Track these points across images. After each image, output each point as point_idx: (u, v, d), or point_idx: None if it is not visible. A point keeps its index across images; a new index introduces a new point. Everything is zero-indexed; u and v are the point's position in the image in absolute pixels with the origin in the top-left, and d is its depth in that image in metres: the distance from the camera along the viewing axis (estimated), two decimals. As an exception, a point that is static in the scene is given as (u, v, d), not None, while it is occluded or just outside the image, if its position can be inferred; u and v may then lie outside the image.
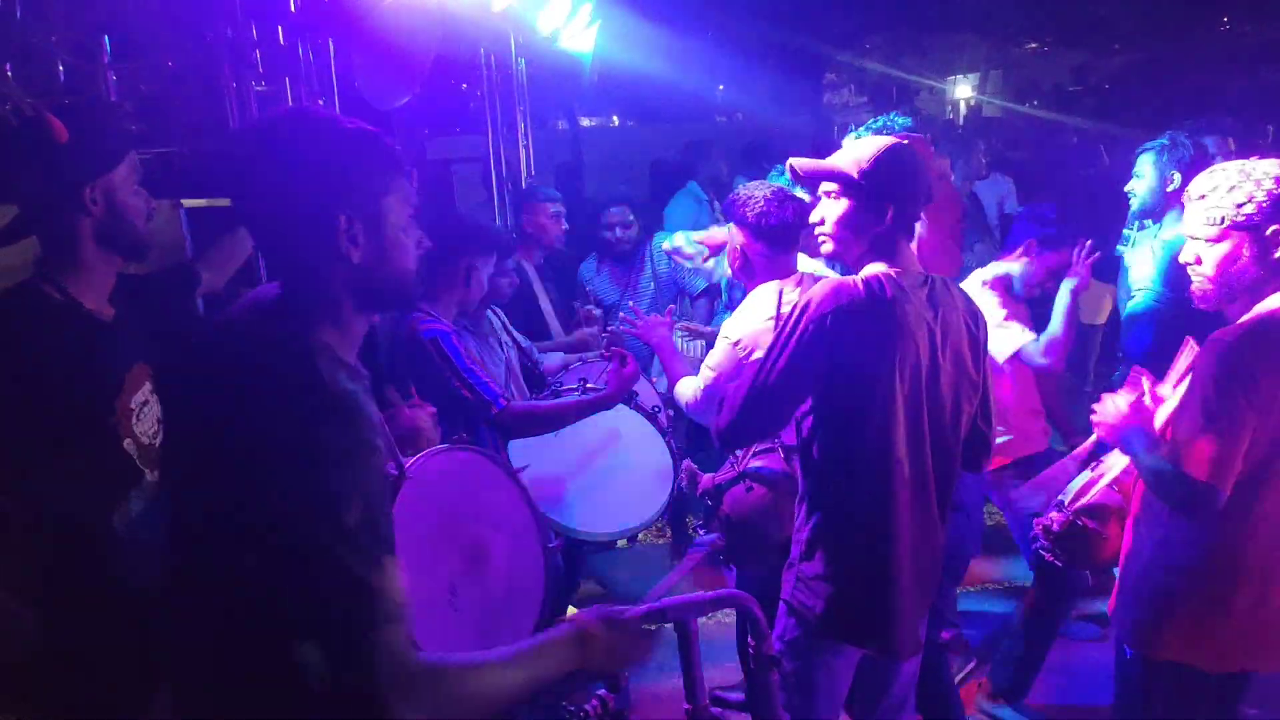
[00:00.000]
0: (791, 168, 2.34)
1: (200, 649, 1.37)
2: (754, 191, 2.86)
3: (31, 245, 2.01)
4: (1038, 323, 3.64)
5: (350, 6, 3.05)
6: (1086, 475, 2.51)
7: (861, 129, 3.40)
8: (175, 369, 1.46)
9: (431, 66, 3.66)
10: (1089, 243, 3.61)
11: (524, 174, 5.78)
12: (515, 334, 3.68)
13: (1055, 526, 2.45)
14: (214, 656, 1.35)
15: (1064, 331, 3.47)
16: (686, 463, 2.90)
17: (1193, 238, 2.22)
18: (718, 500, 2.69)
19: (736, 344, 2.79)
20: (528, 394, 3.51)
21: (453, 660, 1.39)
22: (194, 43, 3.05)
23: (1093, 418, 2.36)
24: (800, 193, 2.89)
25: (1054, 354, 3.45)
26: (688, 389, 2.86)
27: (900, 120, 3.37)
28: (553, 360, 3.87)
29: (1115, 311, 4.55)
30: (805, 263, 3.05)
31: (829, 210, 2.28)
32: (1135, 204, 3.73)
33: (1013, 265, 3.67)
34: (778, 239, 2.84)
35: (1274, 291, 2.11)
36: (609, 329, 4.20)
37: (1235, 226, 2.11)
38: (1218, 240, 2.15)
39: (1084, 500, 2.47)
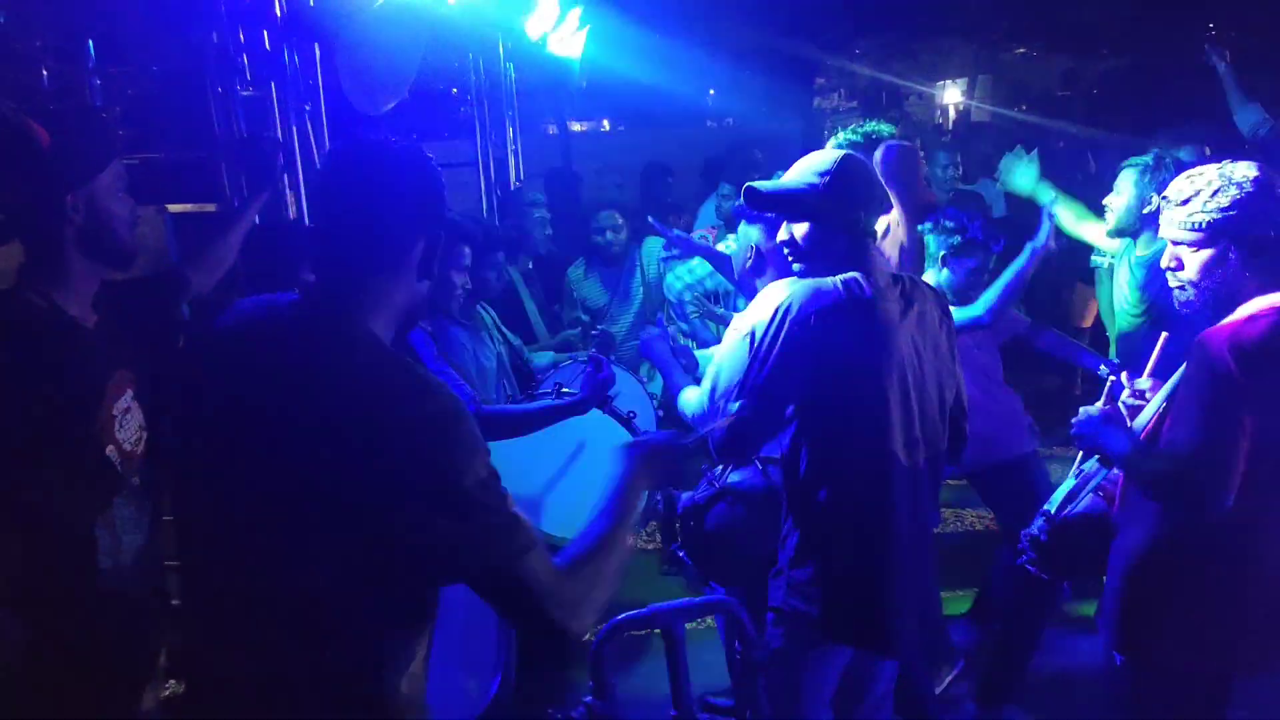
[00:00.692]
0: (748, 193, 2.37)
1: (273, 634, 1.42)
2: None
3: (16, 252, 2.00)
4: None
5: (336, 11, 3.05)
6: (1070, 482, 2.51)
7: (847, 131, 3.40)
8: (222, 360, 1.52)
9: (419, 71, 3.66)
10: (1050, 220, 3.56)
11: (513, 179, 5.78)
12: (506, 332, 3.67)
13: (1043, 537, 2.44)
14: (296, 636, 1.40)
15: (1007, 285, 3.39)
16: (664, 489, 2.87)
17: (1174, 243, 2.22)
18: (699, 520, 2.67)
19: (749, 335, 2.79)
20: (518, 390, 3.51)
21: (579, 552, 1.55)
22: (179, 47, 3.04)
23: (1072, 431, 2.34)
24: None
25: (990, 307, 3.37)
26: (691, 400, 2.82)
27: (884, 127, 3.38)
28: (543, 358, 3.88)
29: (1099, 317, 4.56)
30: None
31: (796, 228, 2.32)
32: (1112, 221, 3.68)
33: (932, 277, 3.64)
34: None
35: (1258, 294, 2.12)
36: (598, 329, 4.21)
37: (1219, 231, 2.12)
38: (1201, 246, 2.16)
39: (1070, 509, 2.46)
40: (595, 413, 3.07)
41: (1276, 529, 2.13)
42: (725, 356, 2.65)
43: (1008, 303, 3.44)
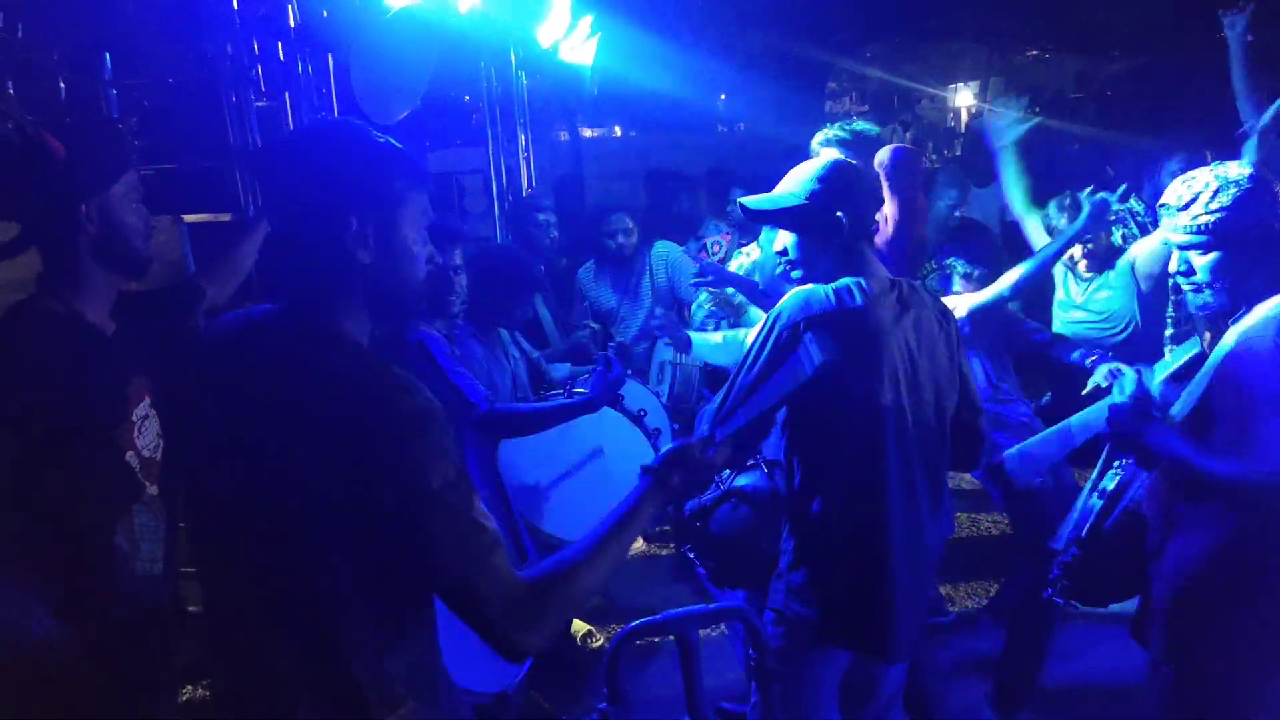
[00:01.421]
0: (742, 208, 2.41)
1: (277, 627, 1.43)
2: None
3: (34, 260, 2.02)
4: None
5: (349, 22, 3.07)
6: (1096, 502, 2.46)
7: (834, 127, 3.39)
8: (207, 372, 1.51)
9: (432, 80, 3.68)
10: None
11: (524, 186, 5.80)
12: (525, 346, 3.68)
13: (1077, 564, 2.36)
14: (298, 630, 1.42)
15: (1036, 266, 3.47)
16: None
17: (1181, 247, 2.21)
18: (705, 522, 2.68)
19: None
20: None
21: (552, 569, 1.50)
22: (194, 59, 3.07)
23: (1109, 429, 2.26)
24: None
25: (1016, 284, 3.44)
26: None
27: (872, 128, 3.38)
28: (560, 370, 3.89)
29: None
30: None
31: (787, 239, 2.36)
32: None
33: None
34: None
35: (1273, 288, 2.10)
36: (614, 343, 4.22)
37: (1225, 231, 2.11)
38: (1209, 248, 2.15)
39: (1101, 528, 2.39)
40: (614, 419, 3.09)
41: None
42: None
43: (1033, 281, 3.47)
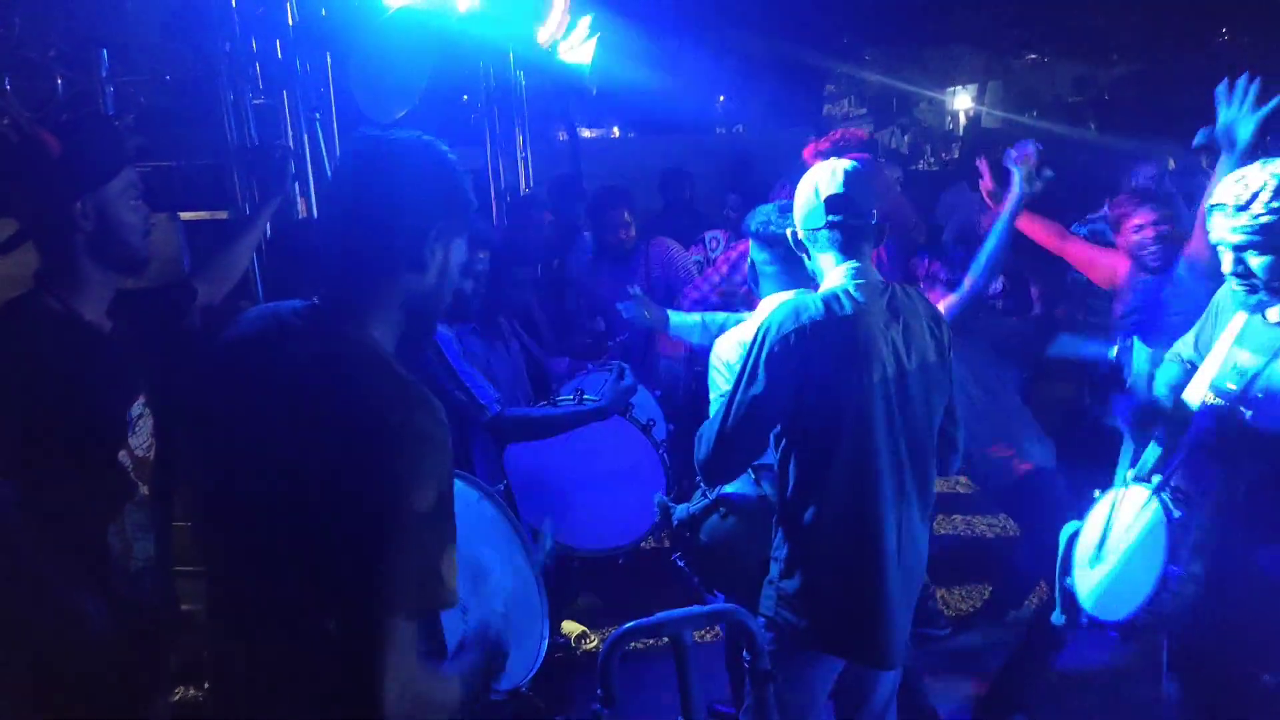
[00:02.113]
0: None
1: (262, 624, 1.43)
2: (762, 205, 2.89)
3: (32, 257, 2.01)
4: None
5: (347, 20, 3.06)
6: (1158, 538, 2.35)
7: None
8: (228, 368, 1.51)
9: (430, 78, 3.68)
10: None
11: (522, 185, 5.80)
12: (525, 339, 3.68)
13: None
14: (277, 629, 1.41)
15: (990, 253, 3.35)
16: (658, 496, 2.87)
17: (1237, 248, 2.21)
18: (694, 530, 2.67)
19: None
20: (532, 399, 3.52)
21: (438, 670, 1.47)
22: (192, 56, 3.06)
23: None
24: None
25: (977, 277, 3.35)
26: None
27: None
28: (560, 364, 3.89)
29: None
30: None
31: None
32: None
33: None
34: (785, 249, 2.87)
35: None
36: (616, 339, 4.22)
37: None
38: (1266, 248, 2.15)
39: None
40: (598, 428, 3.08)
41: None
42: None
43: (995, 269, 3.41)
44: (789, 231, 2.44)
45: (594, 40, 5.47)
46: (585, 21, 5.18)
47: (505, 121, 5.70)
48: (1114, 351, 3.62)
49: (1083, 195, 5.57)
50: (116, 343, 2.04)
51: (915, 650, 3.39)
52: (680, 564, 2.79)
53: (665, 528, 2.82)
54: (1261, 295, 2.19)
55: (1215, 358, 2.42)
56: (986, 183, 3.76)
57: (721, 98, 14.02)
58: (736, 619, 2.11)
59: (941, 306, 3.50)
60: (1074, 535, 2.63)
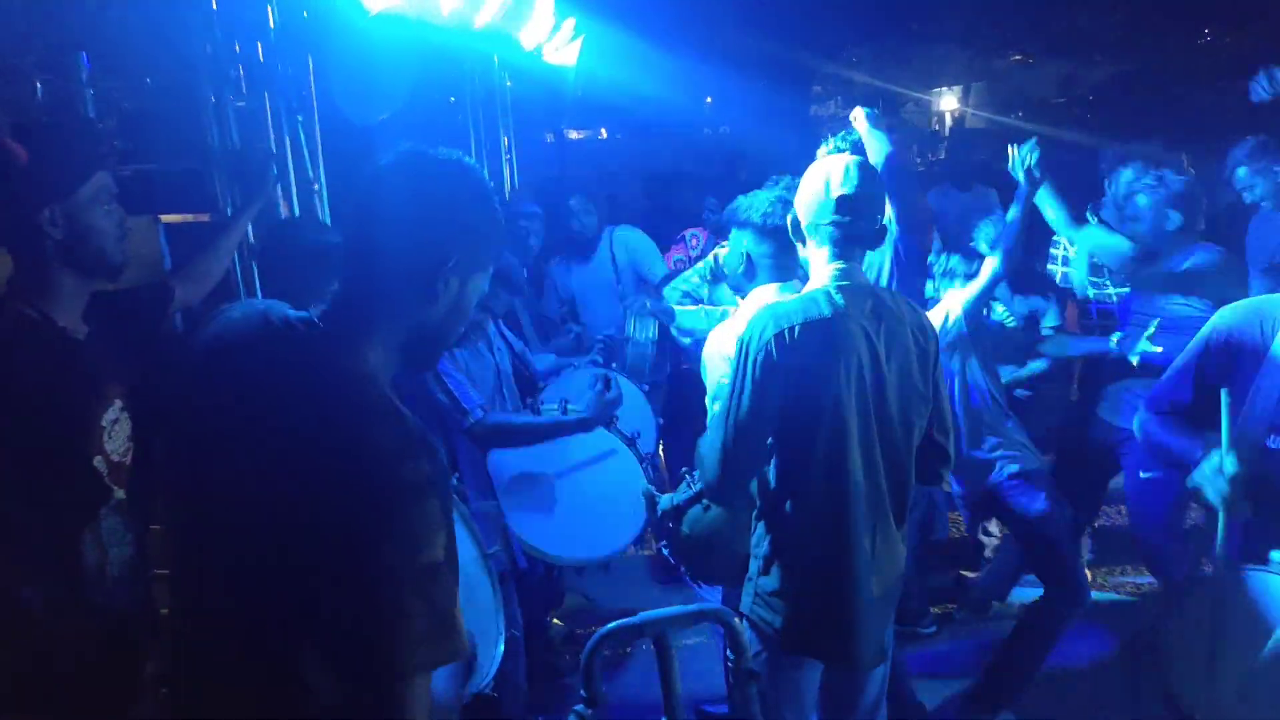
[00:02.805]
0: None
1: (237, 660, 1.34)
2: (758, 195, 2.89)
3: (5, 263, 2.01)
4: None
5: (329, 23, 3.06)
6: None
7: (836, 138, 3.44)
8: (211, 372, 1.41)
9: (417, 80, 3.68)
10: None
11: (507, 188, 5.79)
12: (509, 337, 3.68)
13: None
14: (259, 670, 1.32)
15: (1008, 233, 3.43)
16: (644, 485, 2.87)
17: None
18: (677, 521, 2.68)
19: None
20: (518, 399, 3.52)
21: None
22: (173, 59, 3.05)
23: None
24: None
25: (999, 259, 3.40)
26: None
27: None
28: (545, 360, 3.89)
29: None
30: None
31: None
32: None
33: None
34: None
35: None
36: (602, 337, 4.23)
37: None
38: None
39: None
40: (583, 438, 3.09)
41: None
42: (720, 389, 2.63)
43: (1012, 254, 3.44)
44: (790, 219, 2.41)
45: (578, 42, 5.47)
46: (569, 24, 5.18)
47: (490, 124, 5.69)
48: (1115, 340, 3.63)
49: (1068, 195, 5.60)
50: (92, 347, 2.02)
51: (901, 648, 3.41)
52: (666, 553, 2.80)
53: (651, 517, 2.82)
54: None
55: None
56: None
57: (709, 99, 14.03)
58: (720, 618, 2.12)
59: (960, 298, 3.52)
60: None
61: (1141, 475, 3.50)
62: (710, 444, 2.30)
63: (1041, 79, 14.15)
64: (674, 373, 4.54)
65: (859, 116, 3.50)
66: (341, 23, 3.11)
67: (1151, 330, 3.50)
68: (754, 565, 2.38)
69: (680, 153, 8.72)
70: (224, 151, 3.04)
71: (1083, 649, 3.83)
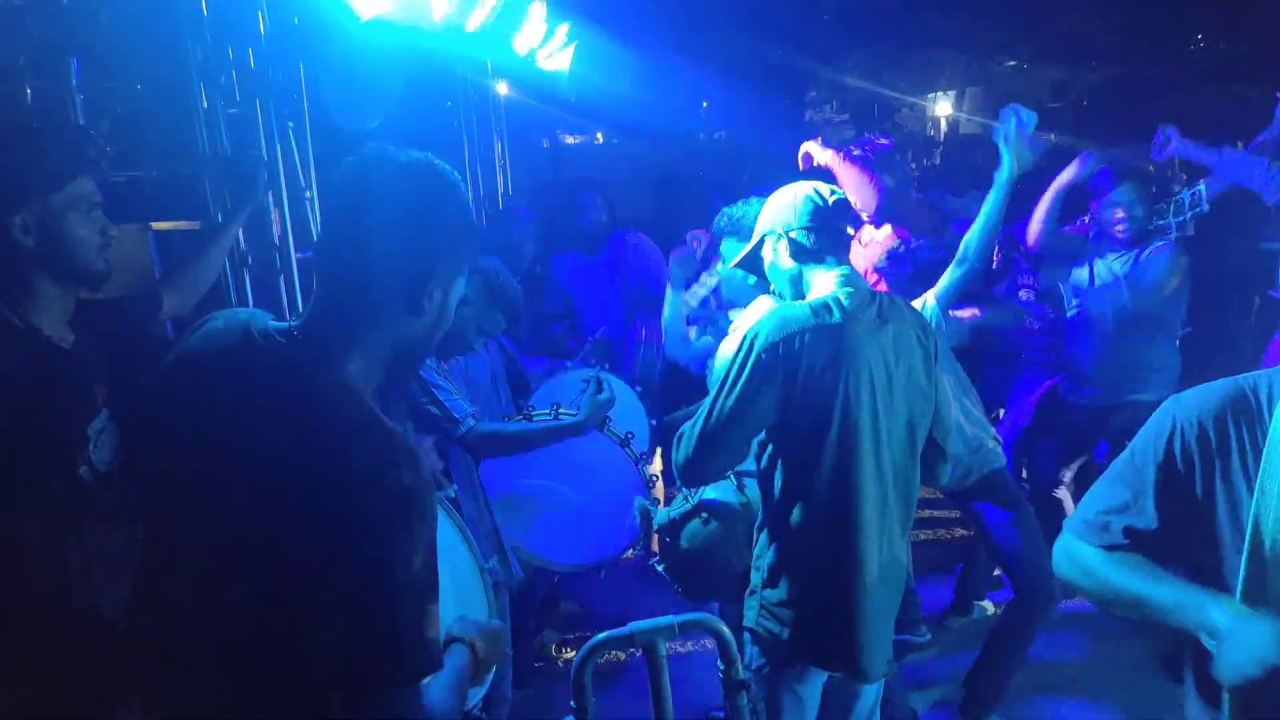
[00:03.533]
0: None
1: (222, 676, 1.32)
2: (751, 204, 2.90)
3: None
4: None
5: (321, 29, 3.05)
6: None
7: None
8: (189, 381, 1.39)
9: (409, 85, 3.67)
10: None
11: (500, 193, 5.79)
12: (502, 339, 3.67)
13: None
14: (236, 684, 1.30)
15: (985, 223, 3.22)
16: (638, 501, 2.86)
17: None
18: (675, 536, 2.67)
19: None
20: (511, 399, 3.50)
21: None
22: (164, 65, 3.03)
23: None
24: None
25: (974, 249, 3.21)
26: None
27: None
28: (537, 363, 3.89)
29: None
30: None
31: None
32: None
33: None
34: None
35: None
36: (592, 338, 4.22)
37: None
38: None
39: None
40: (576, 441, 3.07)
41: None
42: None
43: (989, 242, 3.37)
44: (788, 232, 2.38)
45: (571, 48, 5.46)
46: (563, 30, 5.18)
47: (484, 130, 5.69)
48: None
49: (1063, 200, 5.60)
50: (78, 356, 2.01)
51: (897, 658, 3.40)
52: (660, 570, 2.78)
53: (645, 532, 2.80)
54: None
55: None
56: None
57: (705, 104, 14.03)
58: (710, 627, 2.11)
59: (932, 291, 3.50)
60: None
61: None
62: (692, 425, 2.29)
63: (1035, 84, 14.17)
64: (666, 374, 4.53)
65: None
66: (333, 29, 3.10)
67: None
68: (756, 577, 2.35)
69: (677, 156, 8.72)
70: (215, 158, 3.02)
71: (1069, 647, 3.86)
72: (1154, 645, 3.68)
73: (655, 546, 2.81)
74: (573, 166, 9.98)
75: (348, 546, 1.20)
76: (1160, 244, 3.99)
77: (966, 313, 3.65)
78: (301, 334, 1.36)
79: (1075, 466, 4.34)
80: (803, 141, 3.89)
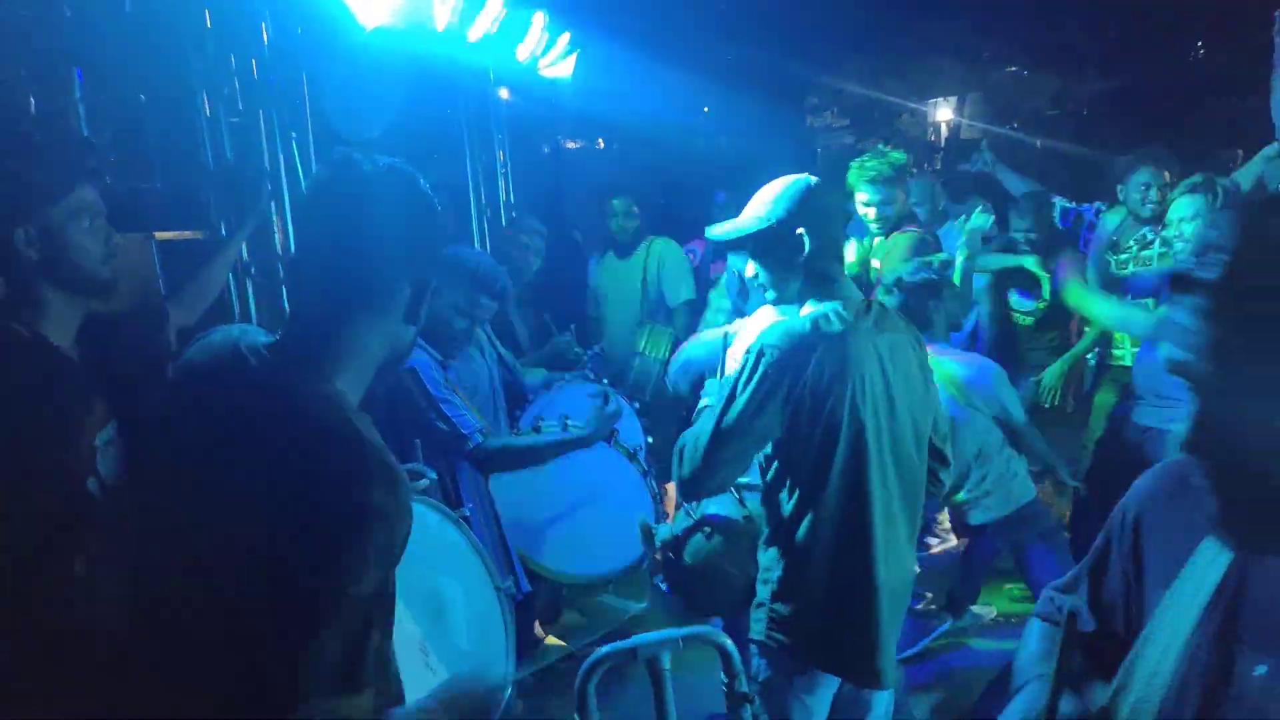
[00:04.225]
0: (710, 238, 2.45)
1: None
2: None
3: None
4: None
5: (324, 40, 3.06)
6: None
7: (870, 159, 3.53)
8: (179, 396, 1.42)
9: (412, 93, 3.68)
10: None
11: (502, 201, 5.80)
12: (499, 347, 3.66)
13: None
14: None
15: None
16: (640, 518, 2.85)
17: None
18: (678, 552, 2.65)
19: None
20: (505, 410, 3.50)
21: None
22: (167, 75, 3.04)
23: None
24: None
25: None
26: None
27: (900, 155, 3.51)
28: (535, 376, 3.87)
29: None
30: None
31: (756, 263, 2.37)
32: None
33: None
34: None
35: None
36: (593, 349, 4.22)
37: None
38: None
39: None
40: (584, 454, 3.07)
41: None
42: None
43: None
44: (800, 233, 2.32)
45: (574, 56, 5.47)
46: (564, 38, 5.19)
47: (485, 138, 5.70)
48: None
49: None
50: (86, 368, 2.01)
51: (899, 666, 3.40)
52: (663, 588, 2.76)
53: (648, 550, 2.79)
54: None
55: None
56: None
57: (706, 109, 14.03)
58: (712, 641, 2.10)
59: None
60: None
61: None
62: (694, 436, 2.28)
63: (1035, 92, 14.18)
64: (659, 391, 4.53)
65: None
66: (336, 39, 3.11)
67: None
68: (764, 590, 2.34)
69: (678, 162, 8.72)
70: (218, 168, 3.03)
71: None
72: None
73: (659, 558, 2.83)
74: (574, 172, 9.99)
75: (295, 555, 1.21)
76: None
77: None
78: (281, 347, 1.38)
79: None
80: (803, 146, 3.96)
